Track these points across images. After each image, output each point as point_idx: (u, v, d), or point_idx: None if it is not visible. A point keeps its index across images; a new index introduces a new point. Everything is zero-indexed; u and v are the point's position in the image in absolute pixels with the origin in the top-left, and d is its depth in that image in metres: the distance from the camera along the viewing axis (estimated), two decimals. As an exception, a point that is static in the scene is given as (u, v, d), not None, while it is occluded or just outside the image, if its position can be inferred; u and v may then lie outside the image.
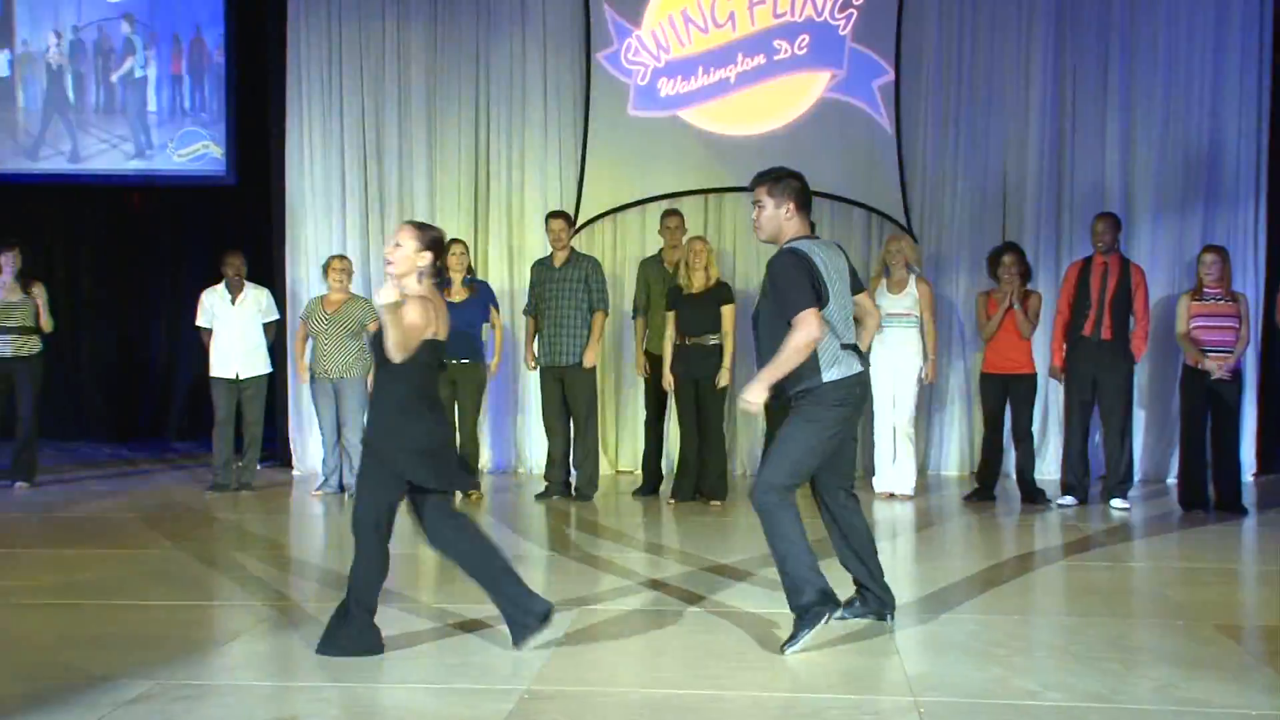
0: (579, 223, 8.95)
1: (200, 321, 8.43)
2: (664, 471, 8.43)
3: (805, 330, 4.36)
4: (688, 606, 5.10)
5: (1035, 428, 8.28)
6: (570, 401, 7.99)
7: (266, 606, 5.10)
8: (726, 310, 7.67)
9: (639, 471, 8.62)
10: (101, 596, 5.25)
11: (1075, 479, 7.74)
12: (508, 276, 9.31)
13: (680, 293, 7.72)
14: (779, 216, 4.56)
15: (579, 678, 4.16)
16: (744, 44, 9.18)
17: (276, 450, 9.54)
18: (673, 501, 7.78)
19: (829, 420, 4.47)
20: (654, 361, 8.08)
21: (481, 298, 8.04)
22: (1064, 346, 7.84)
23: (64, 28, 10.46)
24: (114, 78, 10.45)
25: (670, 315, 7.76)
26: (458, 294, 7.96)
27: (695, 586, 5.45)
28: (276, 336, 8.66)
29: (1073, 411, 7.81)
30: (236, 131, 10.36)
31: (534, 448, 9.23)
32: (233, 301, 8.36)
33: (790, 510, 4.45)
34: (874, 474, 8.24)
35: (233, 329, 8.32)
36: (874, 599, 4.79)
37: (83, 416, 11.16)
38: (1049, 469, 8.67)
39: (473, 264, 8.34)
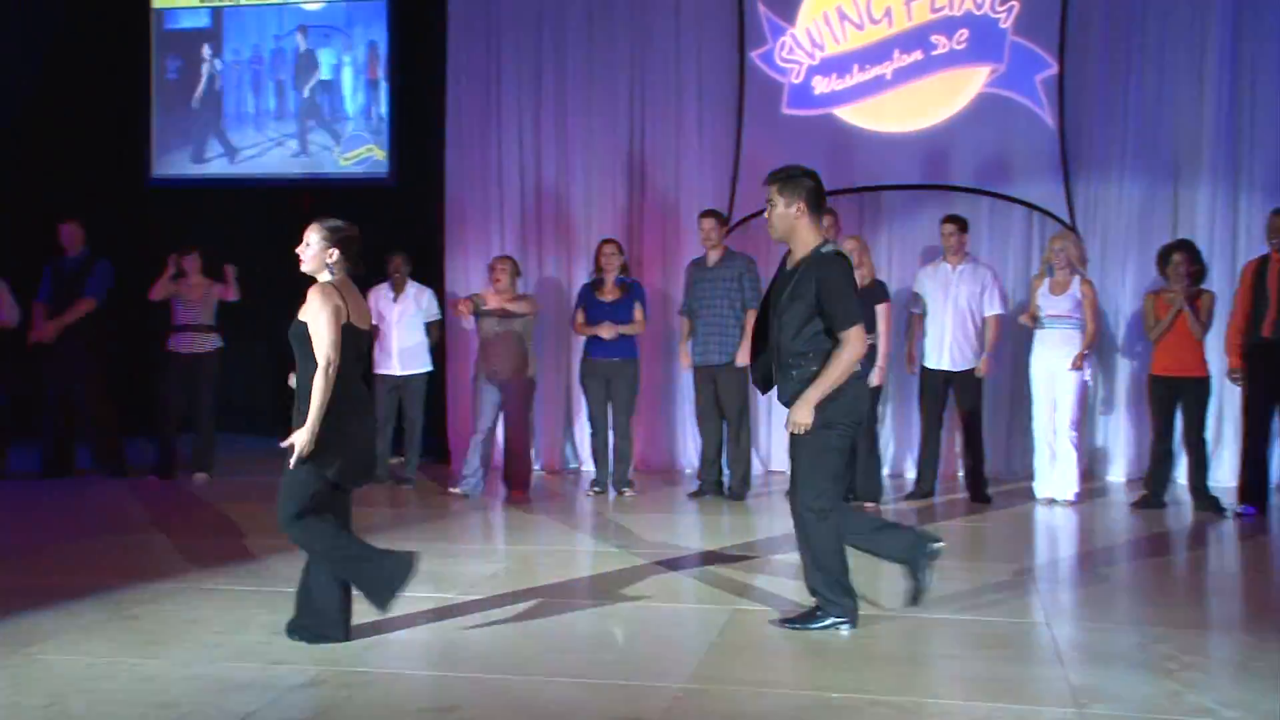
0: (732, 222, 8.93)
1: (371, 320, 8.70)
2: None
3: (857, 346, 4.40)
4: (842, 609, 5.03)
5: (1209, 433, 7.90)
6: (723, 401, 7.98)
7: (427, 597, 5.21)
8: (881, 309, 7.56)
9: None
10: (275, 584, 5.45)
11: (1255, 486, 7.36)
12: (662, 278, 9.35)
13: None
14: (789, 216, 4.56)
15: (733, 676, 4.14)
16: (900, 39, 9.02)
17: (434, 446, 9.77)
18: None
19: (847, 426, 4.52)
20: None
21: (632, 297, 8.09)
22: (1241, 347, 7.47)
23: (251, 39, 10.92)
24: (285, 84, 10.87)
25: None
26: (610, 293, 8.03)
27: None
28: (440, 336, 8.84)
29: (1252, 415, 7.43)
30: (399, 136, 10.65)
31: (687, 447, 9.25)
32: (395, 300, 8.61)
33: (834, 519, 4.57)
34: (1034, 479, 7.98)
35: (393, 327, 8.56)
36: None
37: (254, 411, 11.58)
38: (1225, 476, 8.26)
39: (627, 264, 8.36)
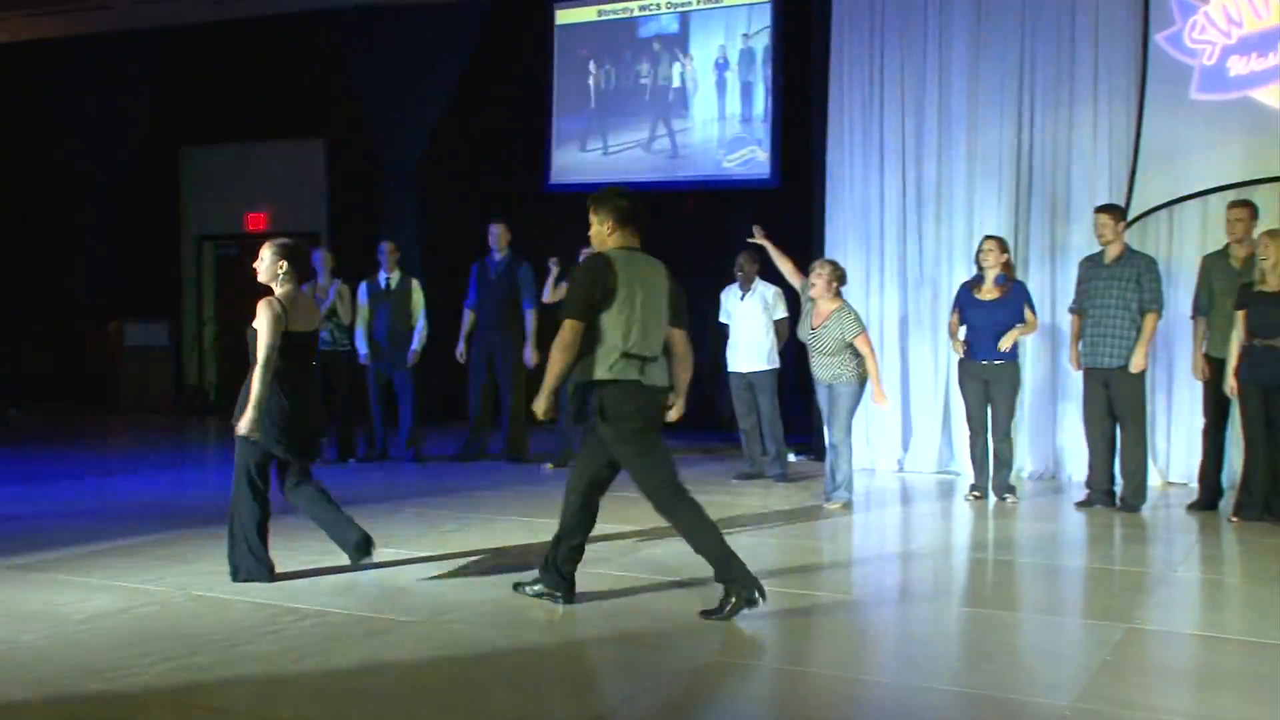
0: (1131, 217, 8.35)
1: (722, 318, 8.87)
2: (1223, 486, 7.65)
3: (561, 337, 4.72)
4: (1243, 636, 4.59)
5: None
6: (1116, 406, 7.49)
7: (799, 594, 5.24)
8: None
9: (1194, 484, 7.89)
10: (662, 574, 5.66)
11: None
12: (1048, 276, 8.90)
13: (1251, 291, 6.99)
14: (602, 233, 4.96)
15: (1126, 699, 3.88)
16: (1336, 10, 8.09)
17: (812, 445, 9.80)
18: (1235, 520, 7.04)
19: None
20: (1214, 365, 7.37)
21: (1015, 298, 7.73)
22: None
23: (627, 44, 11.44)
24: (667, 87, 11.28)
25: (1239, 315, 7.03)
26: (989, 291, 7.73)
27: (1259, 615, 4.89)
28: (789, 333, 8.79)
29: None
30: (780, 137, 10.77)
31: (1074, 453, 8.74)
32: (741, 299, 8.71)
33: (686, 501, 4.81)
34: None
35: (740, 325, 8.66)
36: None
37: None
38: None
39: (1012, 262, 8.00)
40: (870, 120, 9.50)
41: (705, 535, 4.78)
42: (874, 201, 9.51)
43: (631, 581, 5.45)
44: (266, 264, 5.38)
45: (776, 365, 8.70)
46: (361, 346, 9.38)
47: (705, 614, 4.73)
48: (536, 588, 5.03)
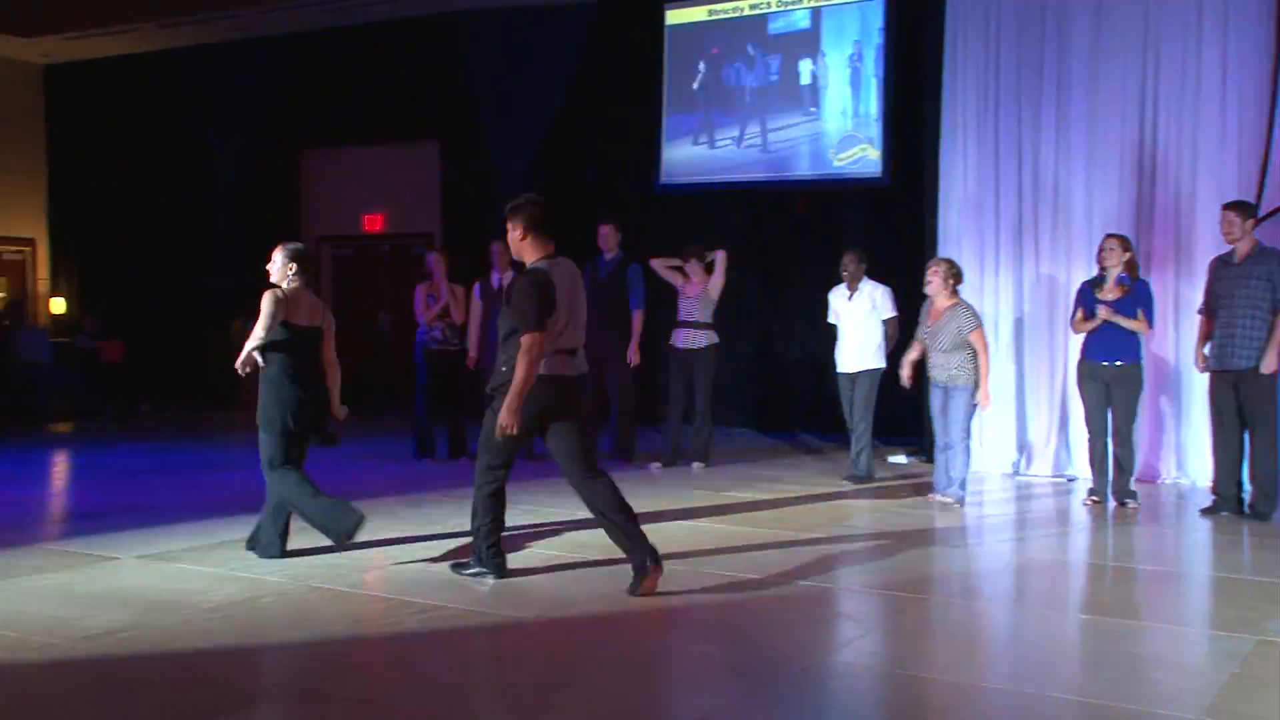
0: (1262, 214, 8.04)
1: (830, 319, 8.77)
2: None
3: (527, 349, 5.10)
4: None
5: None
6: (1245, 409, 7.22)
7: (893, 596, 5.18)
8: None
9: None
10: (759, 570, 5.64)
11: None
12: (1173, 276, 8.62)
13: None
14: (516, 238, 5.43)
15: (1255, 714, 3.75)
16: None
17: (922, 446, 9.67)
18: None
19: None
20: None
21: (1134, 299, 7.50)
22: None
23: (742, 40, 11.41)
24: (778, 84, 11.22)
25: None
26: (1111, 291, 7.52)
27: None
28: (897, 333, 8.67)
29: None
30: (892, 135, 10.64)
31: (1199, 457, 8.45)
32: (849, 298, 8.61)
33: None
34: None
35: (846, 325, 8.56)
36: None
37: (742, 404, 12.03)
38: None
39: (1136, 261, 7.76)
40: (985, 116, 9.31)
41: (489, 509, 5.41)
42: (988, 199, 9.32)
43: (730, 580, 5.44)
44: (278, 265, 5.87)
45: (881, 365, 8.59)
46: (472, 348, 9.52)
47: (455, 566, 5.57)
48: (473, 570, 5.51)
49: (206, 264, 14.65)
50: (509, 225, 5.51)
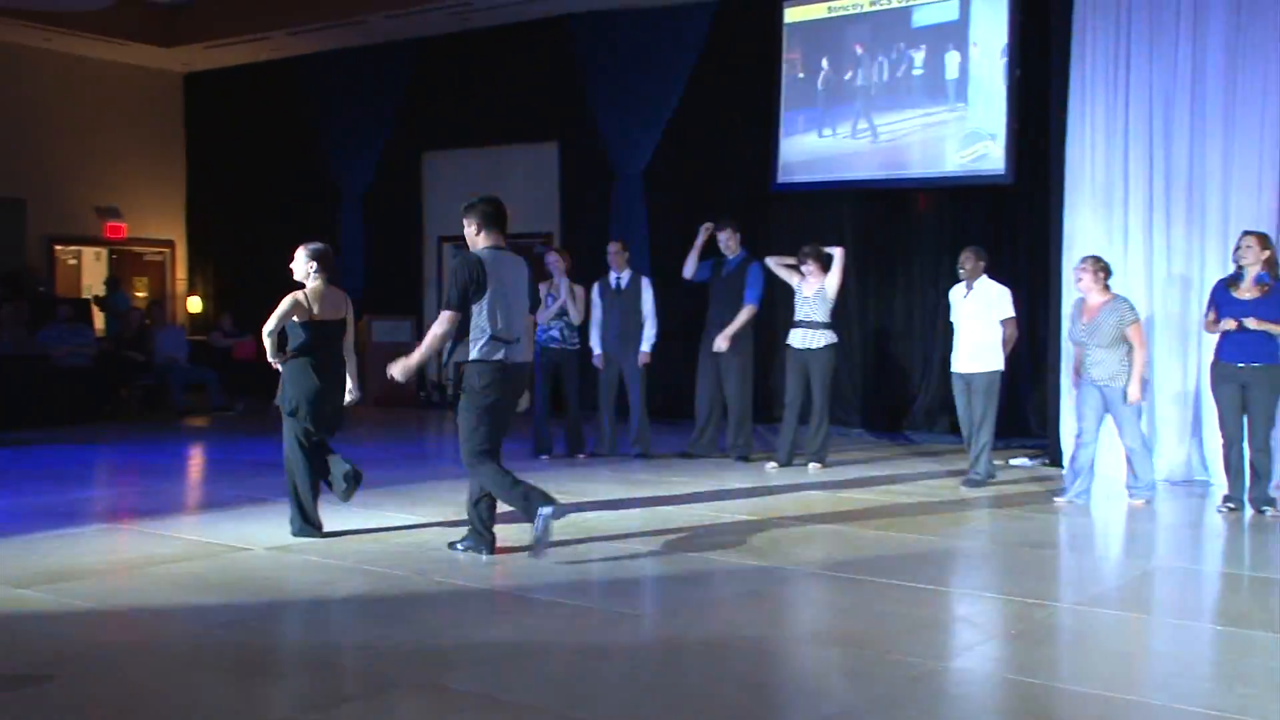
0: None
1: (951, 318, 8.59)
2: None
3: (437, 326, 5.69)
4: None
5: None
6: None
7: (1017, 601, 5.05)
8: None
9: None
10: (878, 574, 5.58)
11: None
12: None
13: None
14: (470, 234, 5.91)
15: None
16: None
17: (1046, 449, 9.43)
18: None
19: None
20: None
21: (1274, 299, 7.17)
22: None
23: (873, 35, 11.27)
24: (900, 80, 11.04)
25: None
26: (1248, 290, 7.22)
27: None
28: (1014, 333, 8.43)
29: None
30: (1016, 132, 10.39)
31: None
32: (965, 296, 8.41)
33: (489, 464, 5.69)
34: None
35: (962, 324, 8.37)
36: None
37: (860, 404, 11.87)
38: None
39: (1276, 259, 7.41)
40: (1114, 111, 9.02)
41: (500, 485, 5.67)
42: (1117, 196, 9.03)
43: (848, 582, 5.38)
44: (300, 264, 6.34)
45: (998, 367, 8.35)
46: (595, 346, 9.59)
47: (451, 545, 5.97)
48: (465, 543, 5.91)
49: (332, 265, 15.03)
50: (465, 221, 5.95)
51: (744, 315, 9.28)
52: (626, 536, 6.39)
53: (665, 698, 3.90)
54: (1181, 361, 8.74)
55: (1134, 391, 7.37)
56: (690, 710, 3.79)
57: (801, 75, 11.67)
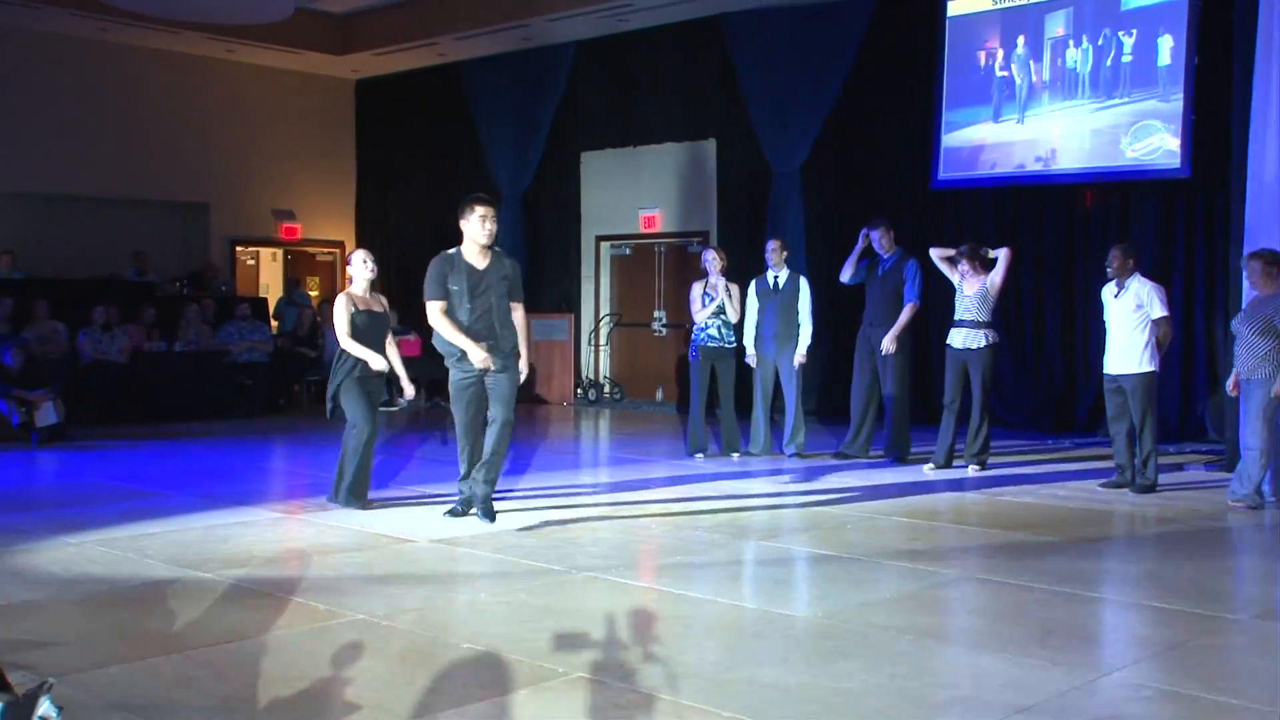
0: None
1: (1105, 318, 8.23)
2: None
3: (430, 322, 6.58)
4: None
5: None
6: None
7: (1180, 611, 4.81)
8: None
9: None
10: (1054, 582, 5.40)
11: None
12: None
13: None
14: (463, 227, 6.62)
15: None
16: None
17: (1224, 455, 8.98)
18: None
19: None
20: None
21: None
22: None
23: (1038, 27, 10.94)
24: (1072, 72, 10.67)
25: None
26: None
27: None
28: (1167, 333, 8.02)
29: None
30: (1195, 123, 9.92)
31: None
32: (1116, 295, 8.03)
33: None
34: None
35: (1112, 324, 8.01)
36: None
37: (1019, 406, 11.51)
38: None
39: None
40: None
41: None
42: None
43: (1006, 585, 5.22)
44: (355, 268, 7.19)
45: (1150, 369, 7.91)
46: (749, 345, 9.54)
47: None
48: (459, 509, 6.73)
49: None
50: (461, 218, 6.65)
51: (906, 314, 9.12)
52: (777, 533, 6.34)
53: (809, 682, 3.85)
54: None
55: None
56: (842, 713, 3.72)
57: (964, 69, 11.39)
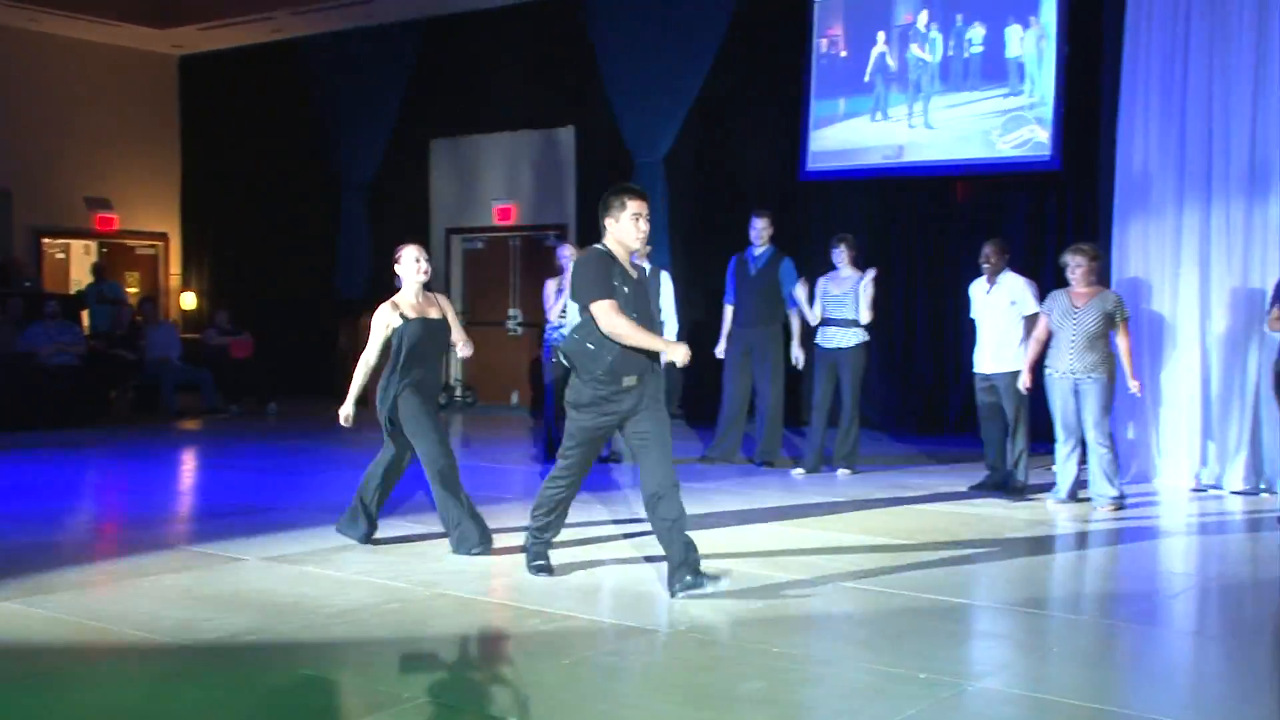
0: None
1: (971, 314, 8.43)
2: None
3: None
4: None
5: None
6: None
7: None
8: None
9: None
10: (921, 590, 5.47)
11: None
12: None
13: None
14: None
15: None
16: None
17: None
18: None
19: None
20: None
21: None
22: None
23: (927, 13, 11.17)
24: (935, 64, 10.92)
25: None
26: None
27: None
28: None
29: None
30: (1064, 116, 10.25)
31: None
32: (987, 291, 8.26)
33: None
34: None
35: (984, 321, 8.23)
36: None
37: (889, 407, 11.74)
38: None
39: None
40: (1170, 92, 8.84)
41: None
42: (1170, 185, 8.86)
43: (877, 593, 5.28)
44: (410, 261, 6.43)
45: (1021, 367, 8.03)
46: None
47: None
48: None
49: (336, 257, 14.94)
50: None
51: (796, 320, 9.23)
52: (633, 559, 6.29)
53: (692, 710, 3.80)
54: (1241, 361, 8.57)
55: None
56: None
57: (832, 56, 11.56)
